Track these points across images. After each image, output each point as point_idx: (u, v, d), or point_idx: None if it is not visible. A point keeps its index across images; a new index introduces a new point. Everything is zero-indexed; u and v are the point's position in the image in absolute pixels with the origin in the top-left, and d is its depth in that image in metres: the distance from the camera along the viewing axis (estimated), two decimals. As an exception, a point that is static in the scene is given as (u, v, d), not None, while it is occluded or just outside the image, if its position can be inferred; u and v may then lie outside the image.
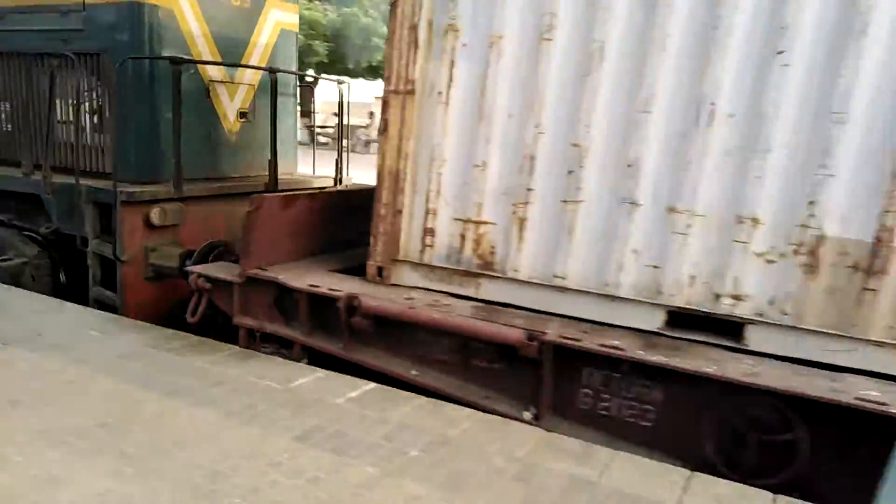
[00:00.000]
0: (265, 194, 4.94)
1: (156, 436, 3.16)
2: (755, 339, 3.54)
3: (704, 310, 3.63)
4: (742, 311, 3.55)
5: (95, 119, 5.97)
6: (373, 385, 4.00)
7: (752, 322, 3.53)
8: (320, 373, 4.12)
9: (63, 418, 3.28)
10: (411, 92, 4.15)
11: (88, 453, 2.97)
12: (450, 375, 4.04)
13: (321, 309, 4.31)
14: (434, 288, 4.30)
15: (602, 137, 3.73)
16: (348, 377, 4.15)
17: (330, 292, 4.16)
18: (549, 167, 3.87)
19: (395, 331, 4.11)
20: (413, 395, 3.90)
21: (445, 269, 4.25)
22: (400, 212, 4.29)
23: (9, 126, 6.44)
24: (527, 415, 3.77)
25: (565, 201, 3.85)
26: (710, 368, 3.26)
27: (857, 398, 2.98)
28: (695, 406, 3.38)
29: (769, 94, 3.36)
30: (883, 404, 2.93)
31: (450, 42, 4.03)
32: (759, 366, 3.36)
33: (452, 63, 4.04)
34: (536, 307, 4.02)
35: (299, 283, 4.29)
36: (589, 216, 3.82)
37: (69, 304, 5.05)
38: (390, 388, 4.00)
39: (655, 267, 3.70)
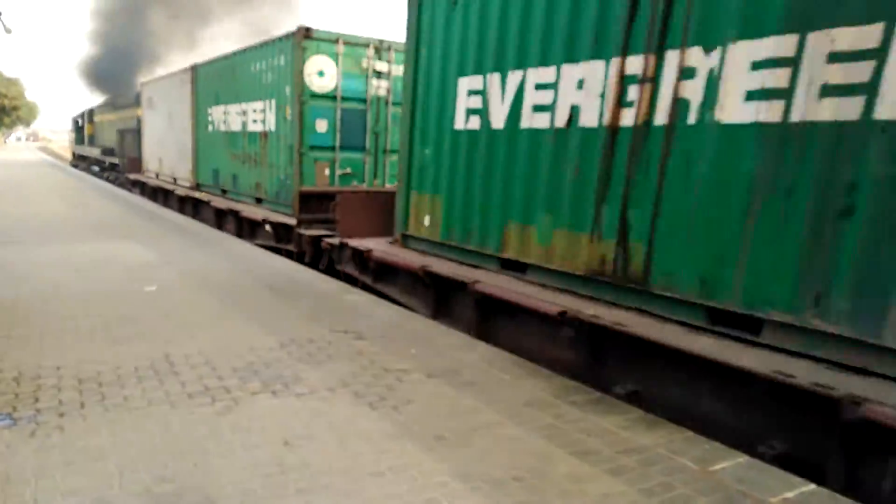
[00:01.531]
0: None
1: (571, 502, 2.98)
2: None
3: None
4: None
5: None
6: (812, 485, 3.26)
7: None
8: (741, 458, 3.52)
9: (478, 463, 3.32)
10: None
11: (507, 509, 2.91)
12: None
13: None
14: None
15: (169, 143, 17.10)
16: (776, 469, 3.47)
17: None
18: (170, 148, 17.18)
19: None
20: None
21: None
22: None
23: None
24: None
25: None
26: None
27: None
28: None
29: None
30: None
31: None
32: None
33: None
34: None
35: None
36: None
37: (480, 343, 5.34)
38: (834, 493, 3.21)
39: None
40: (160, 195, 17.38)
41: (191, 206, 14.74)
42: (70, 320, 5.45)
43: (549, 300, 5.15)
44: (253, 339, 5.12)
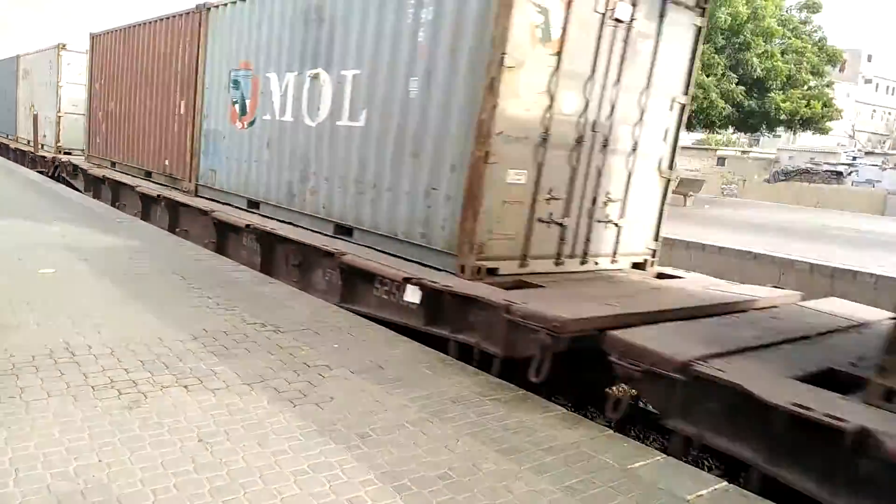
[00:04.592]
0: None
1: (498, 501, 2.96)
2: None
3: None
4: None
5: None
6: (724, 483, 3.41)
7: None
8: (659, 457, 3.64)
9: (404, 461, 3.25)
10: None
11: (434, 508, 2.87)
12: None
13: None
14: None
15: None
16: (691, 468, 3.61)
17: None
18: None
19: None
20: (774, 505, 3.22)
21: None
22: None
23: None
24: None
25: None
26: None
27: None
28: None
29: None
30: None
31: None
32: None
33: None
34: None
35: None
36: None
37: (403, 339, 5.26)
38: (746, 491, 3.36)
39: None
40: None
41: None
42: (-46, 304, 5.01)
43: None
44: (161, 330, 4.83)
